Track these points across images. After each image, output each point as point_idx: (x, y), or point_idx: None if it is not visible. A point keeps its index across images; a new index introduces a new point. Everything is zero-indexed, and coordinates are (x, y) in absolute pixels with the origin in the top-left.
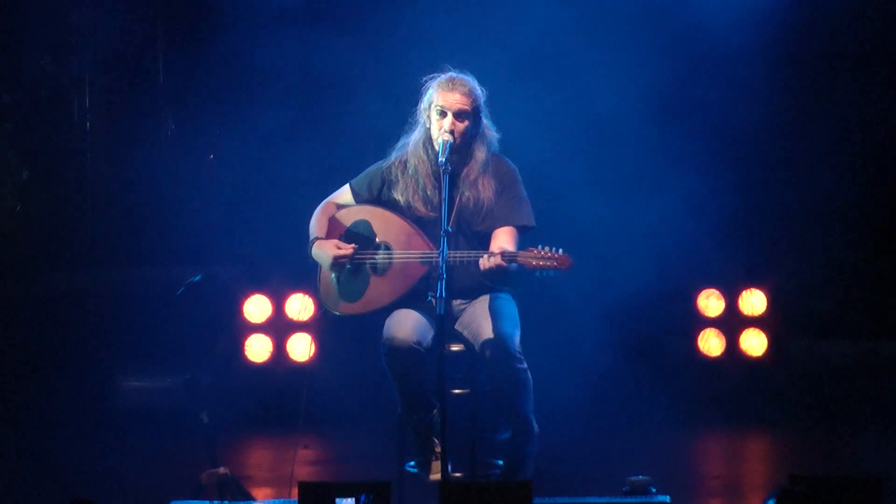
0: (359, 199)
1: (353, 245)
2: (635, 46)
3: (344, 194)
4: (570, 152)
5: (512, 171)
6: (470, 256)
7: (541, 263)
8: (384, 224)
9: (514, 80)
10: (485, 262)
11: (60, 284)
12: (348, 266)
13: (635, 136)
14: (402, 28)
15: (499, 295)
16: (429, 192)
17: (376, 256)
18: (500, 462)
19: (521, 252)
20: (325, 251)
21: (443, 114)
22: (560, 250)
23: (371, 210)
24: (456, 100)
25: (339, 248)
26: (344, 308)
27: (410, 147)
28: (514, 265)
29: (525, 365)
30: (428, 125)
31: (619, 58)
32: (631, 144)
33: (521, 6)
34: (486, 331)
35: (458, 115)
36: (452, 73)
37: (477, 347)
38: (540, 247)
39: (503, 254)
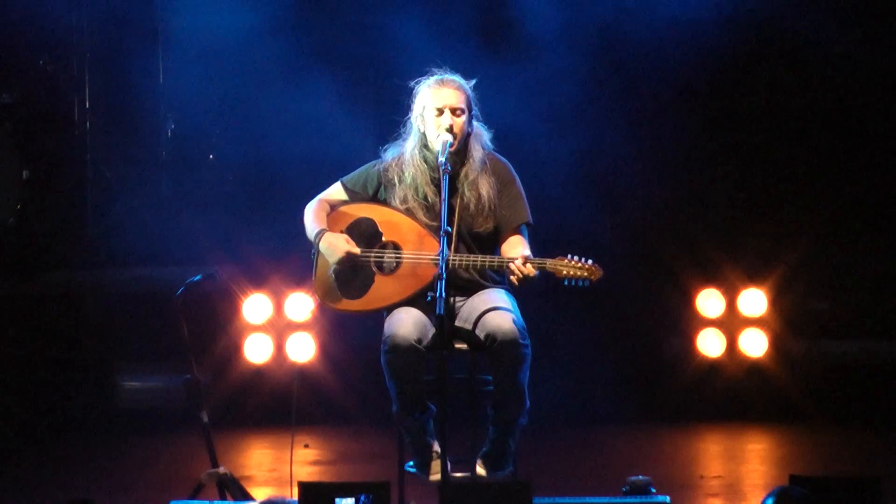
0: (354, 196)
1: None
2: (631, 51)
3: (336, 192)
4: (566, 150)
5: (508, 167)
6: (483, 261)
7: (572, 273)
8: (391, 223)
9: (501, 76)
10: (517, 271)
11: (60, 284)
12: (356, 258)
13: (633, 134)
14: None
15: (497, 288)
16: (429, 199)
17: (384, 255)
18: (490, 431)
19: (553, 260)
20: (336, 244)
21: (439, 112)
22: (590, 261)
23: (376, 208)
24: (450, 95)
25: (349, 241)
26: (346, 304)
27: (406, 155)
28: (538, 272)
29: (528, 342)
30: (423, 129)
31: (613, 57)
32: (629, 142)
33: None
34: (490, 315)
35: (455, 111)
36: (439, 74)
37: (482, 335)
38: (570, 256)
39: (533, 261)
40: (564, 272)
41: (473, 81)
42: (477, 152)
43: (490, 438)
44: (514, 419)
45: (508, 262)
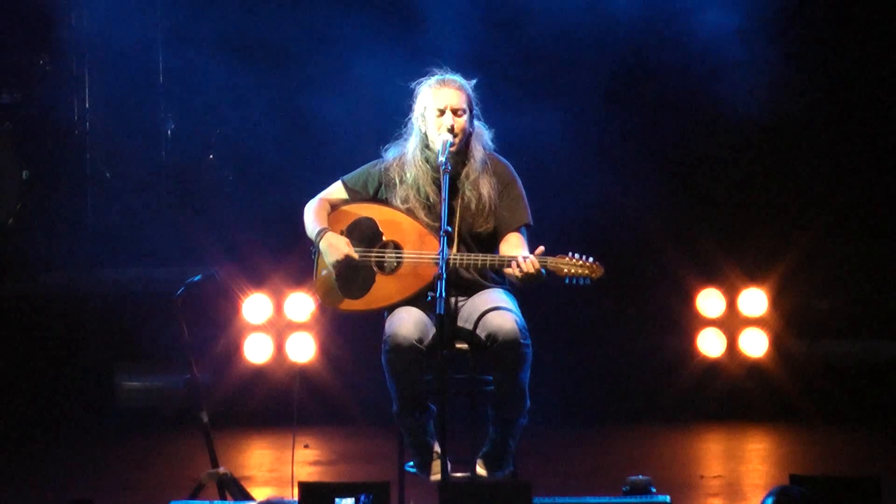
0: (354, 196)
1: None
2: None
3: (337, 191)
4: (564, 148)
5: (509, 168)
6: (483, 260)
7: (573, 271)
8: (392, 223)
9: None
10: (523, 267)
11: (60, 284)
12: (355, 262)
13: (634, 132)
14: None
15: (497, 288)
16: (431, 199)
17: (385, 255)
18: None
19: (554, 259)
20: (336, 245)
21: (441, 112)
22: (591, 259)
23: (377, 208)
24: (451, 95)
25: (349, 245)
26: (347, 304)
27: (408, 156)
28: (542, 270)
29: (529, 341)
30: (424, 130)
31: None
32: (628, 141)
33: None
34: (491, 315)
35: (456, 111)
36: (440, 74)
37: (483, 335)
38: (571, 254)
39: (536, 258)
40: (566, 270)
41: (474, 81)
42: (478, 152)
43: (490, 438)
44: (514, 419)
45: (510, 260)
